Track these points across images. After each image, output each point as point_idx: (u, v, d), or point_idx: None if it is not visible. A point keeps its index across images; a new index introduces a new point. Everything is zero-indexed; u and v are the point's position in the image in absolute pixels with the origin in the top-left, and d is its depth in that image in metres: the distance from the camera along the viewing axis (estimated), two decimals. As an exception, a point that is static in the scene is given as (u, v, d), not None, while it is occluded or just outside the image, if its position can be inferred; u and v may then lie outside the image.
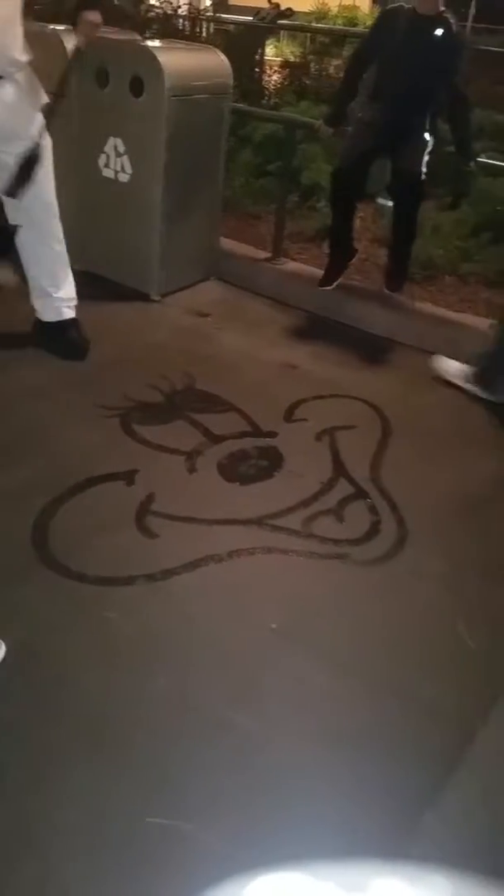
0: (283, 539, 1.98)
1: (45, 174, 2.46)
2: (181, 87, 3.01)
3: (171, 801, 1.29)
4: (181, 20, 6.63)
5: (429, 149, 3.03)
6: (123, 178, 3.22)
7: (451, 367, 2.92)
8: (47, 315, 2.74)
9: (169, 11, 6.60)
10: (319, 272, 3.67)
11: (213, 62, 3.29)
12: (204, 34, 6.90)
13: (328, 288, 3.46)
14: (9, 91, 2.30)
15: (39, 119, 2.39)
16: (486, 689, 1.62)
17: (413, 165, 3.04)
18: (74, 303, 2.76)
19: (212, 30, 7.08)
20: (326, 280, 3.46)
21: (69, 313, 2.75)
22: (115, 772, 1.33)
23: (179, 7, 6.96)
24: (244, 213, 4.26)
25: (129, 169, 3.20)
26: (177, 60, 3.04)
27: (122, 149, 3.18)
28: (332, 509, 2.13)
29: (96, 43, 2.56)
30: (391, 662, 1.66)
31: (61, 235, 2.64)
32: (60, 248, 2.65)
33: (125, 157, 3.19)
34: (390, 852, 1.23)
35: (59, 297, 2.71)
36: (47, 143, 2.43)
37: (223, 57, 3.34)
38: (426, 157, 3.03)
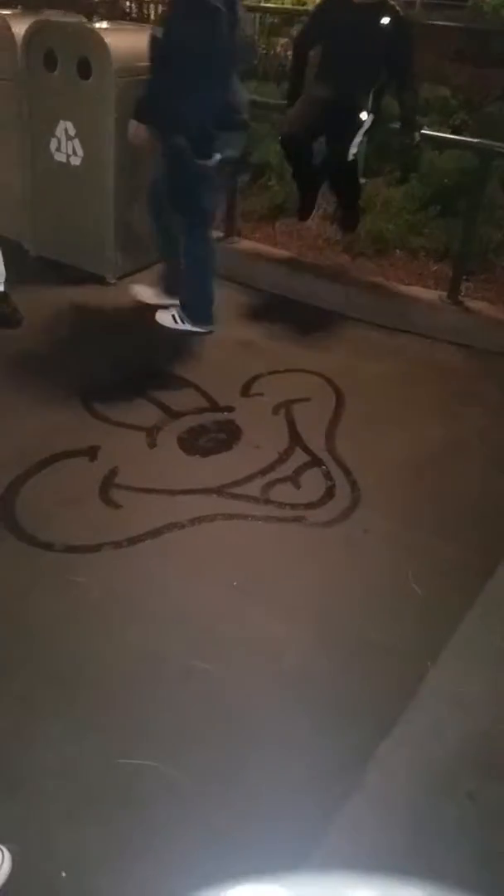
0: (242, 505, 2.08)
1: None
2: (128, 69, 3.03)
3: (141, 742, 1.39)
4: (128, 3, 6.56)
5: (364, 128, 3.11)
6: (75, 161, 3.24)
7: (146, 292, 3.17)
8: None
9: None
10: (272, 250, 3.77)
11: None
12: (152, 16, 6.85)
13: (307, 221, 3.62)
14: None
15: None
16: (434, 633, 1.75)
17: (343, 143, 3.12)
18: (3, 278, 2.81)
19: (159, 12, 7.03)
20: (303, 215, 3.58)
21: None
22: (87, 718, 1.43)
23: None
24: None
25: (80, 152, 3.22)
26: (123, 42, 3.06)
27: (72, 132, 3.20)
28: (289, 477, 2.24)
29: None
30: (346, 612, 1.78)
31: None
32: None
33: (76, 141, 3.21)
34: (347, 781, 1.36)
35: None
36: None
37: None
38: (360, 138, 3.11)
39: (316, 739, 1.45)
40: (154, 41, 2.55)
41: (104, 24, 3.35)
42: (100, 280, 3.37)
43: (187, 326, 3.04)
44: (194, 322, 3.04)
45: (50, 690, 1.47)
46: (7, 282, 2.84)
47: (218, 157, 2.66)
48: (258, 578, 1.84)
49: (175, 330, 3.02)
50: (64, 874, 1.18)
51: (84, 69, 3.04)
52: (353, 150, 3.12)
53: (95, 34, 2.97)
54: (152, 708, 1.47)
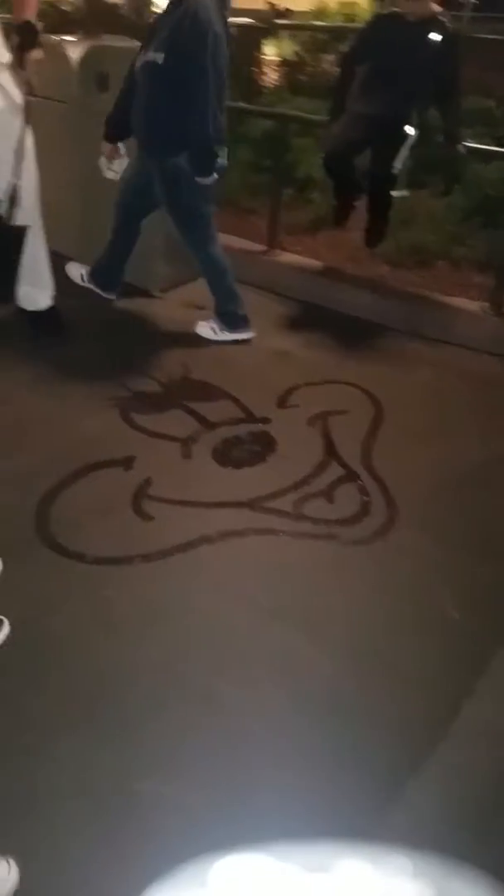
0: (274, 520, 2.05)
1: (31, 172, 2.53)
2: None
3: (155, 767, 1.37)
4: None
5: (410, 143, 3.08)
6: (112, 175, 3.29)
7: (74, 271, 3.23)
8: (28, 304, 2.82)
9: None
10: (313, 261, 3.76)
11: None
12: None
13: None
14: None
15: (18, 121, 2.45)
16: (470, 662, 1.68)
17: (389, 158, 3.09)
18: (51, 292, 2.85)
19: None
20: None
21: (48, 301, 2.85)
22: (104, 739, 1.41)
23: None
24: (241, 208, 4.33)
25: (120, 169, 3.26)
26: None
27: (122, 150, 3.25)
28: (323, 491, 2.20)
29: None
30: (378, 636, 1.73)
31: (40, 227, 2.72)
32: (42, 239, 2.74)
33: (124, 159, 3.26)
34: (368, 818, 1.30)
35: (40, 289, 2.79)
36: (29, 143, 2.50)
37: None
38: (405, 152, 3.08)
39: (338, 772, 1.40)
40: (153, 67, 2.61)
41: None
42: (145, 293, 3.42)
43: (227, 336, 3.05)
44: (232, 329, 3.05)
45: (71, 706, 1.46)
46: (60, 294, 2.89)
47: (216, 175, 2.73)
48: (287, 597, 1.81)
49: (218, 341, 3.04)
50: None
51: (102, 83, 3.11)
52: (397, 164, 3.09)
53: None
54: (171, 730, 1.44)
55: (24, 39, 2.42)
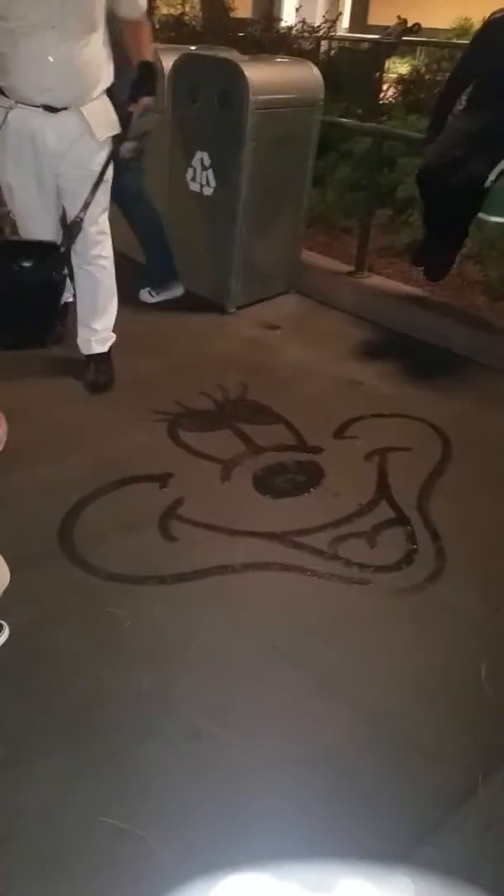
0: (304, 557, 1.92)
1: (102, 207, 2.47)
2: (266, 101, 3.04)
3: (128, 803, 1.29)
4: (303, 40, 6.70)
5: None
6: (208, 191, 3.30)
7: (144, 295, 3.37)
8: (82, 347, 2.69)
9: (298, 34, 6.68)
10: (402, 286, 3.59)
11: (303, 75, 3.30)
12: (322, 53, 6.95)
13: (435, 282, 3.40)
14: (72, 120, 2.28)
15: (103, 152, 2.37)
16: (495, 745, 1.47)
17: (484, 166, 2.86)
18: (107, 339, 2.68)
19: (333, 48, 7.11)
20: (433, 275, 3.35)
21: (98, 348, 2.66)
22: (82, 764, 1.35)
23: (318, 30, 6.99)
24: (335, 227, 4.22)
25: (213, 182, 3.27)
26: (264, 74, 3.08)
27: (207, 162, 3.26)
28: (366, 533, 2.04)
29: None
30: (397, 698, 1.56)
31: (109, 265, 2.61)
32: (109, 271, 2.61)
33: (210, 171, 3.27)
34: None
35: (93, 329, 2.64)
36: (108, 177, 2.42)
37: (315, 70, 3.34)
38: (502, 166, 2.86)
39: (332, 842, 1.25)
40: None
41: (247, 58, 3.39)
42: (220, 309, 3.39)
43: (163, 296, 3.31)
44: (165, 288, 3.31)
45: (55, 726, 1.41)
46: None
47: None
48: (303, 642, 1.67)
49: (153, 303, 3.27)
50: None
51: (224, 101, 3.09)
52: (491, 176, 2.86)
53: (236, 67, 3.00)
54: (150, 766, 1.35)
55: (141, 82, 2.36)
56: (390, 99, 6.24)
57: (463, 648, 1.71)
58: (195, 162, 3.30)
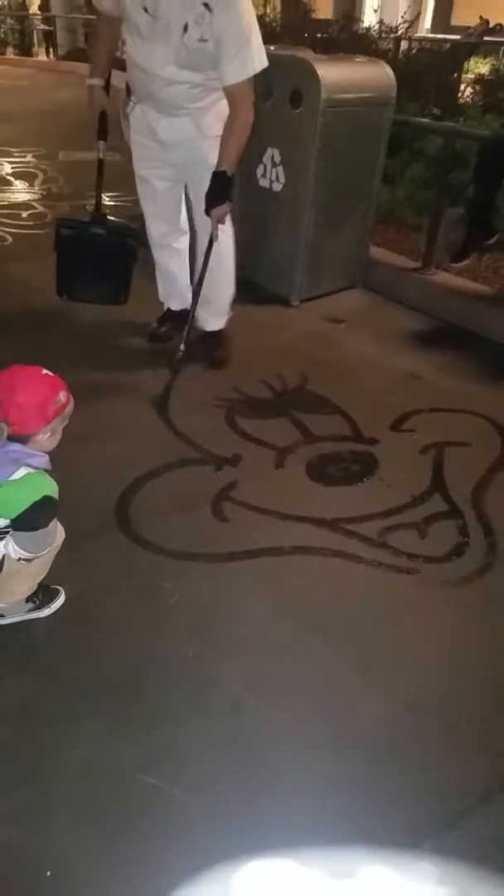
0: (352, 544, 1.94)
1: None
2: (337, 99, 3.06)
3: (167, 767, 1.34)
4: (381, 41, 6.67)
5: None
6: (277, 187, 3.35)
7: None
8: (200, 324, 2.86)
9: (376, 34, 6.66)
10: (470, 283, 3.53)
11: (375, 74, 3.29)
12: (402, 53, 6.88)
13: (458, 265, 3.43)
14: (185, 122, 2.44)
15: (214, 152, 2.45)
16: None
17: None
18: (222, 317, 2.87)
19: (413, 49, 7.03)
20: (459, 256, 3.40)
21: (213, 325, 2.87)
22: (125, 726, 1.41)
23: (395, 30, 6.97)
24: (405, 224, 4.19)
25: (282, 179, 3.31)
26: (336, 73, 3.10)
27: (277, 159, 3.31)
28: (417, 524, 2.03)
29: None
30: (436, 684, 1.55)
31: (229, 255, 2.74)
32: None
33: (280, 168, 3.32)
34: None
35: (210, 308, 2.82)
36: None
37: (388, 70, 3.33)
38: None
39: (360, 822, 1.27)
40: None
41: (322, 57, 3.41)
42: (284, 301, 3.43)
43: None
44: None
45: (99, 689, 1.48)
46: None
47: None
48: (347, 625, 1.69)
49: None
50: (49, 873, 1.16)
51: (296, 99, 3.13)
52: None
53: (308, 65, 3.04)
54: (189, 733, 1.40)
55: (211, 189, 2.39)
56: (468, 98, 6.13)
57: (510, 643, 1.68)
58: (266, 158, 3.36)
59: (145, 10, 2.19)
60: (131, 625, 1.64)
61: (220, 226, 2.52)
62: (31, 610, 1.58)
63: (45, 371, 1.35)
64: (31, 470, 1.30)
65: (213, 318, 2.88)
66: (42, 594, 1.59)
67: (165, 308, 3.00)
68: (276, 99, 3.23)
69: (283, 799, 1.30)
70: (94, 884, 1.16)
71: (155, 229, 2.76)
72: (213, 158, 2.46)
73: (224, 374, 2.75)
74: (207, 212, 2.46)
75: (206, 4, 2.15)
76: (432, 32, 15.82)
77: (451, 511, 2.10)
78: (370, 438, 2.42)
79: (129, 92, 2.54)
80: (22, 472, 1.29)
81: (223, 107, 2.45)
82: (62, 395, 1.35)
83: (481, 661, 1.62)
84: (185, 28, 2.18)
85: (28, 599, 1.56)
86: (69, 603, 1.65)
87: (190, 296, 2.84)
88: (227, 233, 2.66)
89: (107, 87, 2.59)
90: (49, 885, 1.14)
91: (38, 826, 1.23)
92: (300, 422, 2.47)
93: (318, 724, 1.44)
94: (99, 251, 2.68)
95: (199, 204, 2.53)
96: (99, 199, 2.79)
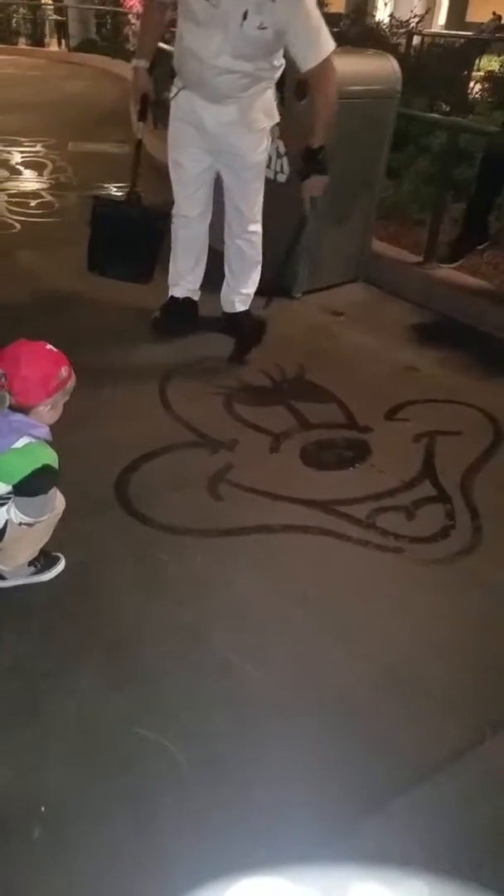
0: (342, 524, 2.01)
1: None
2: (342, 91, 3.10)
3: (158, 720, 1.42)
4: (391, 36, 6.71)
5: None
6: (281, 178, 3.41)
7: None
8: (225, 307, 3.02)
9: (386, 29, 6.70)
10: (470, 279, 3.59)
11: (380, 67, 3.35)
12: (413, 49, 6.92)
13: (450, 266, 3.52)
14: (232, 111, 2.52)
15: (262, 141, 2.63)
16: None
17: None
18: (249, 298, 2.98)
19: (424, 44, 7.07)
20: (451, 256, 3.46)
21: (241, 307, 2.99)
22: (119, 681, 1.50)
23: (406, 25, 7.00)
24: (409, 219, 4.25)
25: (286, 170, 3.37)
26: (340, 65, 3.12)
27: (282, 150, 3.37)
28: (405, 507, 2.11)
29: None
30: (416, 655, 1.64)
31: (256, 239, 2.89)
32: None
33: (284, 159, 3.38)
34: (341, 822, 1.25)
35: (239, 293, 2.95)
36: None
37: (394, 63, 3.39)
38: None
39: (337, 771, 1.36)
40: None
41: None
42: (286, 293, 3.49)
43: None
44: None
45: (97, 647, 1.57)
46: (206, 288, 3.06)
47: None
48: (332, 598, 1.77)
49: None
50: (43, 808, 1.25)
51: (301, 90, 3.19)
52: None
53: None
54: (181, 690, 1.49)
55: (308, 165, 2.50)
56: (478, 95, 6.17)
57: (487, 618, 1.76)
58: (271, 150, 3.41)
59: None
60: (128, 591, 1.73)
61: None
62: (32, 574, 1.66)
63: (49, 346, 1.43)
64: (33, 440, 1.39)
65: (242, 301, 3.00)
66: (43, 560, 1.68)
67: (169, 296, 3.08)
68: (281, 90, 3.29)
69: (264, 749, 1.38)
70: (86, 819, 1.24)
71: (186, 210, 2.83)
72: (254, 155, 2.63)
73: (226, 363, 2.82)
74: (303, 180, 2.54)
75: None
76: (446, 29, 15.83)
77: (439, 496, 2.18)
78: (364, 426, 2.49)
79: (171, 78, 2.60)
80: (24, 441, 1.37)
81: (267, 99, 2.59)
82: (64, 371, 1.42)
83: (457, 634, 1.70)
84: (245, 15, 2.24)
85: (30, 564, 1.65)
86: (69, 569, 1.74)
87: (197, 284, 2.98)
88: (256, 231, 2.85)
89: (151, 70, 2.63)
90: (43, 820, 1.23)
91: (34, 766, 1.32)
92: (296, 409, 2.54)
93: (299, 685, 1.53)
94: (132, 231, 2.77)
95: (235, 194, 2.70)
96: (134, 179, 2.85)
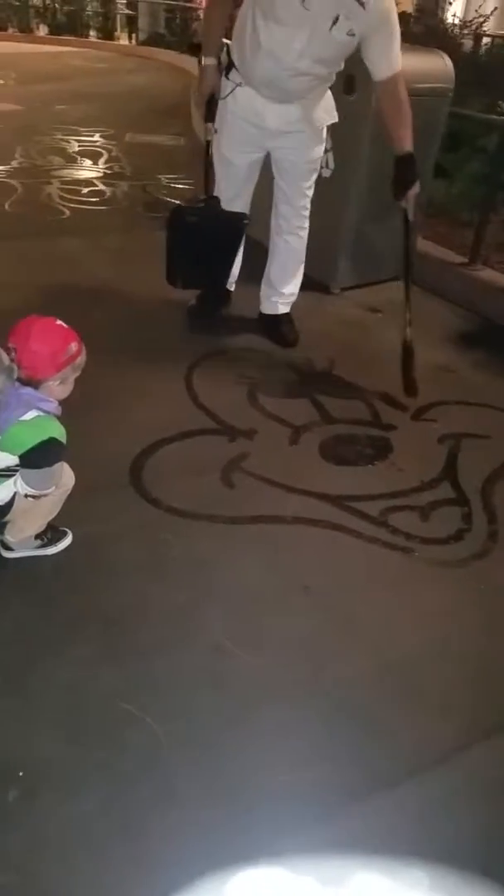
0: (353, 520, 1.99)
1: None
2: (391, 87, 3.07)
3: (144, 697, 1.43)
4: (453, 36, 6.57)
5: None
6: (326, 173, 3.36)
7: None
8: (265, 307, 2.99)
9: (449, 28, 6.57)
10: (514, 283, 3.48)
11: (433, 65, 3.29)
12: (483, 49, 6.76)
13: None
14: (295, 110, 2.50)
15: (322, 139, 2.65)
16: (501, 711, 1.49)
17: None
18: (293, 300, 2.97)
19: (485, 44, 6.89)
20: None
21: (283, 309, 2.97)
22: (111, 655, 1.52)
23: (469, 24, 6.86)
24: (457, 220, 4.16)
25: (332, 164, 3.34)
26: (392, 61, 3.10)
27: (329, 145, 3.32)
28: (421, 507, 2.07)
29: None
30: (414, 653, 1.61)
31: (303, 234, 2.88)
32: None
33: (330, 154, 3.34)
34: (328, 814, 1.24)
35: (281, 293, 2.94)
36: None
37: (447, 61, 3.32)
38: None
39: (324, 761, 1.35)
40: None
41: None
42: (324, 289, 3.47)
43: None
44: None
45: (94, 621, 1.59)
46: (240, 280, 3.06)
47: None
48: (336, 592, 1.75)
49: None
50: (21, 774, 1.28)
51: (349, 85, 3.16)
52: None
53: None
54: (171, 668, 1.50)
55: (401, 174, 2.47)
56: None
57: (493, 625, 1.71)
58: (319, 146, 3.39)
59: (302, 1, 2.17)
60: (131, 569, 1.75)
61: (305, 216, 2.68)
62: (39, 546, 1.70)
63: (59, 322, 1.46)
64: (41, 413, 1.42)
65: (285, 303, 2.98)
66: (51, 533, 1.71)
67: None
68: (360, 91, 3.25)
69: (247, 733, 1.38)
70: (61, 788, 1.26)
71: (230, 206, 2.75)
72: (314, 152, 2.63)
73: (257, 355, 2.82)
74: (399, 197, 2.52)
75: (359, 0, 2.19)
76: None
77: (457, 499, 2.13)
78: (388, 425, 2.45)
79: (226, 73, 2.52)
80: (32, 414, 1.40)
81: (328, 98, 2.59)
82: (73, 346, 1.45)
83: (460, 637, 1.66)
84: (336, 20, 2.21)
85: (37, 537, 1.69)
86: (76, 545, 1.77)
87: (235, 275, 2.97)
88: (305, 228, 2.82)
89: (219, 67, 2.54)
90: (20, 784, 1.26)
91: (19, 732, 1.35)
92: (321, 404, 2.52)
93: (290, 673, 1.52)
94: (216, 237, 2.68)
95: (289, 191, 2.70)
96: (207, 183, 2.74)
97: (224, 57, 2.52)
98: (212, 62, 2.51)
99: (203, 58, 2.54)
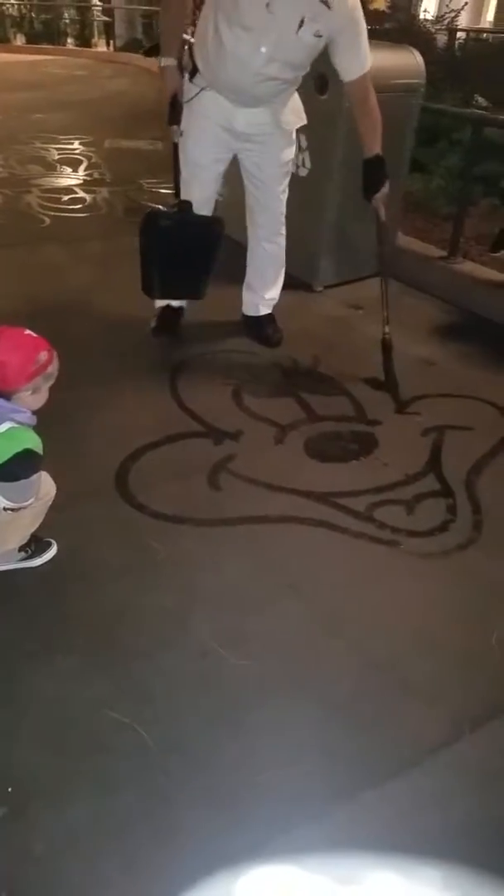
0: (339, 516, 1.99)
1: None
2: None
3: (133, 703, 1.43)
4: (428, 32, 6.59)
5: None
6: (303, 172, 3.39)
7: None
8: (247, 310, 2.99)
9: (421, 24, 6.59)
10: (496, 274, 3.50)
11: (404, 62, 3.30)
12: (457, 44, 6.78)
13: (498, 254, 3.49)
14: (264, 113, 2.48)
15: (292, 142, 2.65)
16: (492, 701, 1.49)
17: None
18: (274, 302, 2.97)
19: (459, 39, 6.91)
20: (495, 246, 3.48)
21: (265, 310, 2.97)
22: (97, 663, 1.51)
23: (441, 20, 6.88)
24: (436, 214, 4.18)
25: (308, 164, 3.36)
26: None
27: (304, 144, 3.35)
28: (406, 501, 2.08)
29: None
30: (400, 647, 1.61)
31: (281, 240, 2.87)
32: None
33: (307, 153, 3.36)
34: (318, 811, 1.25)
35: (263, 297, 2.94)
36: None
37: (417, 57, 3.33)
38: None
39: (311, 759, 1.35)
40: None
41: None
42: (307, 287, 3.48)
43: None
44: None
45: (79, 628, 1.59)
46: (222, 281, 3.02)
47: None
48: (323, 588, 1.76)
49: None
50: (10, 790, 1.27)
51: (321, 85, 3.17)
52: None
53: (334, 51, 3.06)
54: (157, 674, 1.50)
55: (370, 176, 2.50)
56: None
57: (479, 614, 1.72)
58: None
59: (267, 5, 2.15)
60: (117, 577, 1.75)
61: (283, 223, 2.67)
62: (22, 559, 1.70)
63: (27, 331, 1.45)
64: (15, 424, 1.41)
65: (266, 305, 2.98)
66: (34, 545, 1.71)
67: (158, 307, 2.92)
68: (331, 92, 3.26)
69: (234, 735, 1.38)
70: (51, 800, 1.26)
71: (197, 209, 2.68)
72: (283, 154, 2.62)
73: (240, 355, 2.83)
74: (369, 197, 2.54)
75: (324, 1, 2.18)
76: (495, 25, 15.48)
77: (442, 490, 2.14)
78: (373, 420, 2.46)
79: (190, 77, 2.46)
80: (6, 425, 1.40)
81: (296, 100, 2.59)
82: (43, 355, 1.45)
83: (447, 628, 1.67)
84: (301, 23, 2.19)
85: (20, 549, 1.68)
86: (60, 555, 1.77)
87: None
88: (283, 234, 2.85)
89: (179, 67, 2.46)
90: (9, 800, 1.26)
91: (6, 746, 1.34)
92: (305, 402, 2.53)
93: (278, 673, 1.52)
94: (191, 243, 2.57)
95: (262, 195, 2.70)
96: (178, 187, 2.65)
97: (186, 60, 2.47)
98: (171, 63, 2.42)
99: (162, 59, 2.43)
